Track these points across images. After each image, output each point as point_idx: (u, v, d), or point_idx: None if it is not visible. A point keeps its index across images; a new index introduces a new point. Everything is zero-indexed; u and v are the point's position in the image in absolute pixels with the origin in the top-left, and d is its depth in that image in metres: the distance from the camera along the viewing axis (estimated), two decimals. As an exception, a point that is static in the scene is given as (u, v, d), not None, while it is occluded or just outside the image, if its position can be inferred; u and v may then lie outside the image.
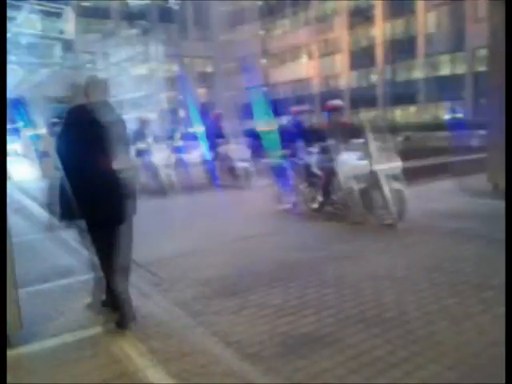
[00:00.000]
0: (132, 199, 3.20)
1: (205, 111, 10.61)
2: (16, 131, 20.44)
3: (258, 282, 4.04)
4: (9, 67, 20.93)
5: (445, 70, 33.49)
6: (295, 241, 5.44)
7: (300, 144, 7.03)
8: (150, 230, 5.80)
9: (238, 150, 9.88)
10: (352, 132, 6.17)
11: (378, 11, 37.48)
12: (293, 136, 7.24)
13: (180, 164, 10.18)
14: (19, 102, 19.76)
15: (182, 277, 4.29)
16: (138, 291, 3.89)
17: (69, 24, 18.28)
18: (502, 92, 6.65)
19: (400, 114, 36.92)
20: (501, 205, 5.95)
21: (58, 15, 18.77)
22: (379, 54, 38.06)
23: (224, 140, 10.19)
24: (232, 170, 9.79)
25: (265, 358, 2.71)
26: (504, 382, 1.97)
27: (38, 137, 21.82)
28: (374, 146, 5.62)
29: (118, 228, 3.13)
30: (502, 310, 2.49)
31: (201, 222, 6.54)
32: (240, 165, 9.63)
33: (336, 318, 3.24)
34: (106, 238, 3.11)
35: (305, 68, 45.54)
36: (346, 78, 41.44)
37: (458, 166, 8.67)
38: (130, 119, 24.80)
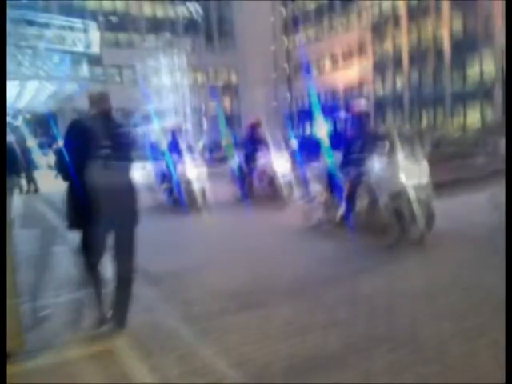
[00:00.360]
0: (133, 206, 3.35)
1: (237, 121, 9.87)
2: (48, 144, 20.89)
3: (273, 298, 3.87)
4: (38, 83, 21.61)
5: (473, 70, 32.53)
6: (316, 252, 5.24)
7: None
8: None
9: (277, 163, 8.79)
10: (378, 140, 5.90)
11: (403, 13, 36.96)
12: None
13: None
14: (52, 116, 20.27)
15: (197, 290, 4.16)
16: (150, 303, 3.79)
17: (94, 39, 18.66)
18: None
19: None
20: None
21: (84, 31, 19.20)
22: (404, 58, 37.42)
23: (262, 151, 9.04)
24: (270, 185, 8.78)
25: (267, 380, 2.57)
26: (504, 382, 1.95)
27: None
28: (400, 154, 5.36)
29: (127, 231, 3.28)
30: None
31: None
32: (278, 179, 8.63)
33: (346, 338, 3.03)
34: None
35: (330, 75, 45.20)
36: (372, 84, 40.90)
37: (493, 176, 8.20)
38: (155, 130, 24.95)
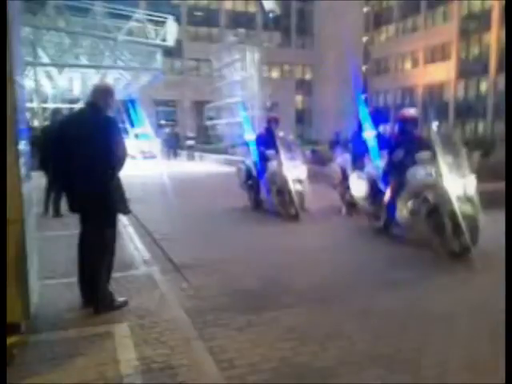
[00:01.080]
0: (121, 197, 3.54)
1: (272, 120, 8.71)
2: (124, 130, 22.25)
3: (285, 300, 3.77)
4: (116, 72, 22.94)
5: None
6: (346, 261, 5.03)
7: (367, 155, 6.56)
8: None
9: (291, 167, 7.28)
10: (423, 145, 5.54)
11: (495, 15, 34.39)
12: (360, 145, 6.79)
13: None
14: (133, 102, 21.41)
15: (210, 285, 4.16)
16: (160, 293, 3.85)
17: (171, 32, 19.39)
18: None
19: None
20: None
21: (162, 24, 20.01)
22: (492, 62, 34.86)
23: (275, 152, 7.57)
24: (281, 194, 7.38)
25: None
26: (504, 382, 1.94)
27: (144, 136, 23.56)
28: (443, 161, 4.99)
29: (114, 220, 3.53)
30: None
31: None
32: (292, 187, 7.14)
33: (344, 353, 2.88)
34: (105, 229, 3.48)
35: (409, 76, 43.36)
36: (453, 87, 38.61)
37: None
38: (227, 123, 25.79)
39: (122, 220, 6.19)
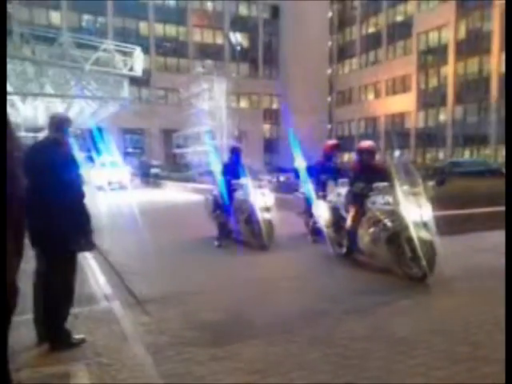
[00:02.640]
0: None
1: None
2: (90, 159, 21.63)
3: (248, 332, 3.75)
4: (82, 101, 22.81)
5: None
6: (310, 289, 5.07)
7: (330, 184, 6.72)
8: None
9: (259, 195, 7.25)
10: (381, 175, 5.75)
11: (451, 50, 36.39)
12: (323, 174, 6.97)
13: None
14: (99, 130, 21.12)
15: (173, 318, 4.09)
16: (120, 329, 3.76)
17: (138, 62, 19.55)
18: None
19: (468, 156, 34.99)
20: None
21: (130, 54, 20.17)
22: (450, 93, 36.66)
23: (242, 181, 7.53)
24: (248, 223, 7.34)
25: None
26: (504, 382, 1.99)
27: (113, 164, 22.73)
28: (400, 190, 5.18)
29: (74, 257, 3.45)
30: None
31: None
32: (260, 215, 7.09)
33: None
34: (63, 266, 3.38)
35: (372, 106, 44.95)
36: (414, 117, 40.24)
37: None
38: (195, 152, 25.62)
39: (84, 253, 6.04)
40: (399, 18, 42.42)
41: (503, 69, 32.48)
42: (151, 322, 3.99)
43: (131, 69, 19.57)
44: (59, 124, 3.55)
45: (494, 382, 2.37)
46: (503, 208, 8.56)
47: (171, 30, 46.37)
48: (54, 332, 3.35)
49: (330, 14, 50.64)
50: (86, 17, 43.08)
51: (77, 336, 3.48)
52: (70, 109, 21.54)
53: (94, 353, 3.32)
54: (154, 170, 30.01)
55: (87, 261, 6.15)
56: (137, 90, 40.74)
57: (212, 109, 31.63)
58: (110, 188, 19.75)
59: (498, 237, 7.40)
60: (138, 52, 19.61)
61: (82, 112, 22.72)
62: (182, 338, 3.62)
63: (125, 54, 20.61)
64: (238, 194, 7.68)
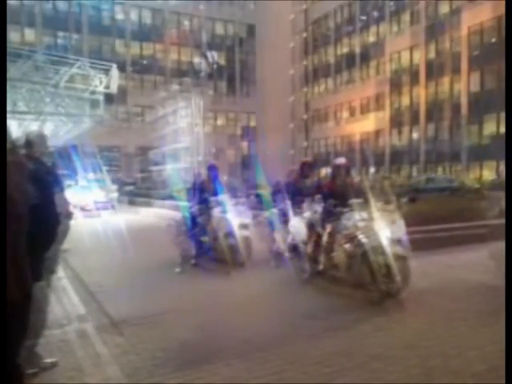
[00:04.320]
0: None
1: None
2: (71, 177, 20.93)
3: (224, 351, 3.71)
4: (56, 119, 22.50)
5: (490, 129, 32.47)
6: (287, 307, 5.07)
7: (306, 200, 6.79)
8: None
9: (236, 213, 7.27)
10: (356, 191, 5.86)
11: (422, 70, 37.59)
12: (299, 192, 7.04)
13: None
14: (73, 149, 20.73)
15: (147, 339, 4.02)
16: (94, 351, 3.68)
17: (114, 80, 19.48)
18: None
19: (441, 173, 35.97)
20: None
21: (106, 71, 20.09)
22: (422, 112, 37.74)
23: (218, 199, 7.59)
24: (225, 240, 7.25)
25: None
26: (504, 382, 2.02)
27: (100, 182, 21.24)
28: (375, 207, 5.29)
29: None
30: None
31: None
32: (237, 233, 7.10)
33: None
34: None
35: (347, 124, 45.82)
36: (388, 135, 41.18)
37: (476, 232, 8.05)
38: (172, 169, 25.22)
39: (58, 273, 5.91)
40: (372, 39, 43.70)
41: (472, 88, 33.70)
42: (125, 344, 3.92)
43: (107, 86, 19.46)
44: (33, 141, 3.49)
45: (493, 382, 2.40)
46: (472, 223, 8.85)
47: (148, 47, 46.49)
48: (25, 356, 3.24)
49: (304, 35, 51.77)
50: (60, 34, 42.81)
51: (49, 360, 3.38)
52: (43, 126, 21.20)
53: (65, 377, 3.23)
54: (128, 188, 29.56)
55: (61, 282, 6.02)
56: (113, 107, 40.49)
57: (189, 126, 31.63)
58: (96, 208, 17.59)
59: (468, 252, 7.64)
60: (113, 69, 19.54)
61: (57, 130, 22.39)
62: (157, 360, 3.57)
63: (100, 71, 20.49)
64: (216, 212, 7.66)
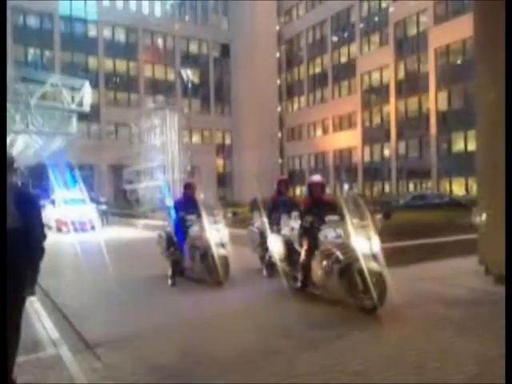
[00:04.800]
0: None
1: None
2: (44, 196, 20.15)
3: (205, 373, 3.67)
4: (27, 137, 22.06)
5: (458, 147, 33.58)
6: (268, 324, 5.06)
7: (283, 218, 6.86)
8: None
9: (213, 231, 7.28)
10: (331, 208, 5.96)
11: (392, 89, 38.71)
12: (276, 208, 7.11)
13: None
14: (45, 168, 20.14)
15: (125, 363, 3.94)
16: (70, 377, 3.57)
17: (86, 97, 19.28)
18: (496, 170, 6.48)
19: (413, 189, 36.85)
20: (490, 289, 5.55)
21: (77, 89, 19.89)
22: (392, 129, 38.73)
23: (195, 217, 7.54)
24: (203, 259, 7.26)
25: None
26: (504, 382, 2.06)
27: (76, 202, 19.30)
28: (350, 223, 5.38)
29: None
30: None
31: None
32: (215, 251, 7.08)
33: None
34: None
35: (320, 142, 46.53)
36: (360, 153, 41.99)
37: (447, 247, 8.29)
38: (146, 187, 24.70)
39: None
40: (343, 60, 44.82)
41: (440, 106, 34.87)
42: (102, 368, 3.82)
43: (80, 103, 19.23)
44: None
45: (493, 382, 2.43)
46: (443, 239, 9.10)
47: (121, 64, 46.27)
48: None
49: (277, 55, 52.67)
50: (31, 50, 42.22)
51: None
52: (13, 145, 20.74)
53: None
54: (101, 207, 28.96)
55: (32, 305, 5.84)
56: (86, 124, 39.97)
57: (164, 144, 31.47)
58: (76, 228, 16.50)
59: (440, 266, 7.83)
60: (86, 86, 19.35)
61: (27, 148, 21.91)
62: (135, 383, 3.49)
63: (73, 88, 20.28)
64: (193, 230, 7.62)
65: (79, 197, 19.89)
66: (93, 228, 18.13)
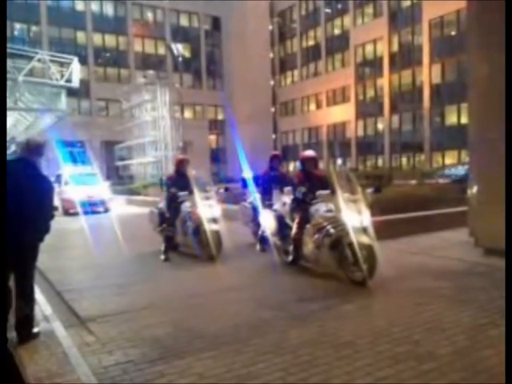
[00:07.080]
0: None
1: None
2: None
3: (197, 346, 3.72)
4: (16, 113, 21.68)
5: (451, 120, 33.53)
6: (260, 297, 5.12)
7: (275, 193, 6.86)
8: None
9: (206, 207, 7.32)
10: (323, 183, 5.96)
11: (386, 62, 38.30)
12: (269, 183, 7.11)
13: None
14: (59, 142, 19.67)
15: (118, 337, 3.98)
16: (63, 351, 3.61)
17: (75, 73, 18.89)
18: (488, 144, 6.49)
19: (406, 163, 36.95)
20: (479, 261, 5.63)
21: (66, 65, 19.47)
22: (386, 103, 38.51)
23: (188, 193, 7.50)
24: (195, 234, 7.34)
25: None
26: (504, 382, 2.03)
27: (89, 179, 17.35)
28: (341, 197, 5.39)
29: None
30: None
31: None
32: (207, 226, 7.15)
33: None
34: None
35: (314, 116, 46.24)
36: (354, 127, 41.83)
37: (437, 220, 8.37)
38: (139, 163, 24.44)
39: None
40: (337, 32, 44.12)
41: (434, 79, 34.62)
42: (95, 342, 3.86)
43: (68, 80, 18.85)
44: (35, 148, 3.96)
45: (493, 382, 2.45)
46: (430, 212, 9.19)
47: (111, 39, 45.27)
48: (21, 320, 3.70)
49: (270, 27, 51.71)
50: (18, 26, 41.13)
51: (36, 329, 3.62)
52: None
53: (34, 378, 3.16)
54: None
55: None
56: (76, 101, 39.36)
57: (155, 119, 31.11)
58: (86, 211, 14.60)
59: (427, 240, 7.92)
60: (75, 62, 18.92)
61: (17, 125, 21.59)
62: (129, 356, 3.54)
63: (61, 64, 19.82)
64: (185, 206, 7.62)
65: (91, 172, 18.14)
66: (106, 210, 16.51)
